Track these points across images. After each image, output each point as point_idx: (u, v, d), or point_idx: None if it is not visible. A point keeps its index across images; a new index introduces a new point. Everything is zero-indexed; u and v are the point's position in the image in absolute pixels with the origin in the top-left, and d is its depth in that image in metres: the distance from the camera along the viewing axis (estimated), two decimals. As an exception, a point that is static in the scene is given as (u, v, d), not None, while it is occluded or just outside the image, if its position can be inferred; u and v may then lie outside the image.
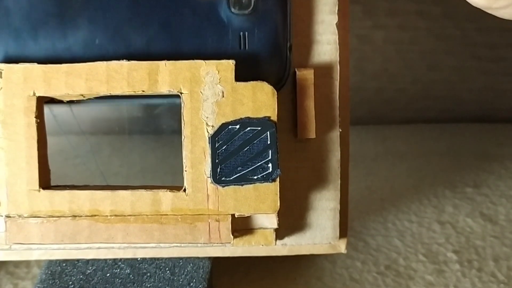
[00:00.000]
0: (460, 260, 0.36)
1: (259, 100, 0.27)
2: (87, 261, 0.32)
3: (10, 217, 0.28)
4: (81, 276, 0.32)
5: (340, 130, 0.30)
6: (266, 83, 0.27)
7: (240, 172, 0.28)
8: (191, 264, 0.32)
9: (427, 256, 0.37)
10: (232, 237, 0.28)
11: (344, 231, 0.31)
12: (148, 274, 0.32)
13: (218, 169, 0.28)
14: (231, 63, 0.27)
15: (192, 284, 0.31)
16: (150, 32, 0.28)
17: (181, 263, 0.32)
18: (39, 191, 0.28)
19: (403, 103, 0.54)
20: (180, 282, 0.31)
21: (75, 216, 0.28)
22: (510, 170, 0.47)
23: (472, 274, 0.35)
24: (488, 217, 0.41)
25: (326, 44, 0.29)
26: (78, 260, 0.32)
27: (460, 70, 0.53)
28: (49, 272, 0.32)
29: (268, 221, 0.29)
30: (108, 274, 0.32)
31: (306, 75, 0.29)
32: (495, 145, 0.51)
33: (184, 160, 0.28)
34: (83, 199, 0.28)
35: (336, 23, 0.29)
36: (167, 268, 0.32)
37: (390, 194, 0.44)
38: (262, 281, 0.34)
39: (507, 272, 0.35)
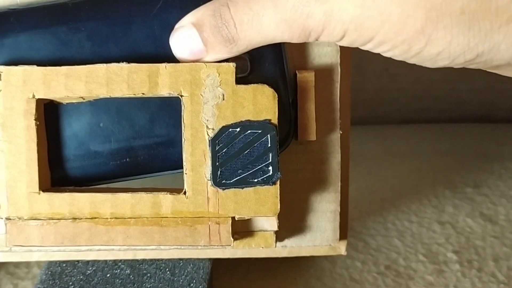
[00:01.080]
0: (460, 260, 0.36)
1: (260, 103, 0.27)
2: (87, 261, 0.32)
3: (10, 219, 0.28)
4: (81, 277, 0.32)
5: (341, 132, 0.30)
6: (267, 86, 0.27)
7: (240, 175, 0.28)
8: (191, 265, 0.32)
9: (427, 256, 0.37)
10: (232, 239, 0.28)
11: (344, 233, 0.31)
12: (148, 274, 0.32)
13: (219, 172, 0.28)
14: (231, 65, 0.27)
15: (192, 284, 0.31)
16: (152, 108, 0.29)
17: (181, 263, 0.32)
18: (39, 193, 0.28)
19: (404, 103, 0.54)
20: (180, 283, 0.31)
21: (75, 218, 0.28)
22: (510, 170, 0.47)
23: (472, 274, 0.35)
24: (488, 217, 0.41)
25: (327, 46, 0.29)
26: (78, 261, 0.32)
27: (460, 70, 0.53)
28: (49, 272, 0.32)
29: (268, 223, 0.29)
30: (108, 275, 0.32)
31: (307, 77, 0.29)
32: (495, 145, 0.51)
33: (184, 163, 0.28)
34: (83, 202, 0.28)
35: (337, 25, 0.29)
36: (167, 269, 0.32)
37: (390, 194, 0.44)
38: (262, 281, 0.34)
39: (507, 272, 0.35)
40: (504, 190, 0.44)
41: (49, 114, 0.29)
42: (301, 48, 0.29)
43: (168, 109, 0.28)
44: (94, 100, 0.28)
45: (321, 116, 0.30)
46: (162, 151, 0.29)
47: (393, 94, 0.53)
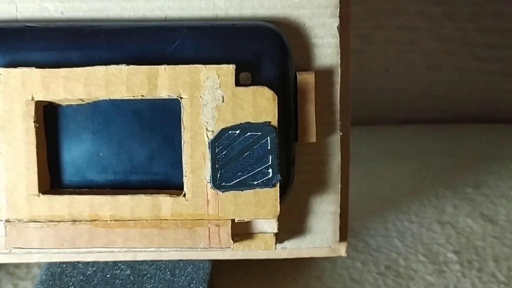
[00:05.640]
0: (460, 261, 0.36)
1: (260, 105, 0.27)
2: (87, 262, 0.32)
3: (9, 221, 0.28)
4: (81, 277, 0.32)
5: (341, 134, 0.30)
6: (267, 88, 0.27)
7: (240, 177, 0.28)
8: (191, 266, 0.32)
9: (427, 257, 0.37)
10: (232, 242, 0.28)
11: (344, 234, 0.31)
12: (148, 275, 0.32)
13: (218, 174, 0.28)
14: (231, 67, 0.27)
15: (192, 285, 0.31)
16: (153, 145, 0.29)
17: (181, 264, 0.32)
18: (39, 196, 0.28)
19: (404, 104, 0.54)
20: (180, 284, 0.31)
21: (74, 221, 0.28)
22: (510, 170, 0.47)
23: (472, 275, 0.35)
24: (489, 218, 0.41)
25: (327, 48, 0.29)
26: (78, 262, 0.32)
27: (460, 71, 0.53)
28: (49, 273, 0.32)
29: (268, 225, 0.29)
30: (108, 275, 0.32)
31: (307, 78, 0.29)
32: (495, 145, 0.51)
33: (184, 165, 0.28)
34: (83, 204, 0.28)
35: (338, 26, 0.29)
36: (167, 270, 0.32)
37: (390, 194, 0.44)
38: (262, 282, 0.34)
39: (507, 273, 0.35)
40: (504, 190, 0.44)
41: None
42: (301, 49, 0.29)
43: (169, 148, 0.29)
44: (96, 127, 0.29)
45: (321, 118, 0.30)
46: (157, 189, 0.29)
47: (394, 94, 0.53)
